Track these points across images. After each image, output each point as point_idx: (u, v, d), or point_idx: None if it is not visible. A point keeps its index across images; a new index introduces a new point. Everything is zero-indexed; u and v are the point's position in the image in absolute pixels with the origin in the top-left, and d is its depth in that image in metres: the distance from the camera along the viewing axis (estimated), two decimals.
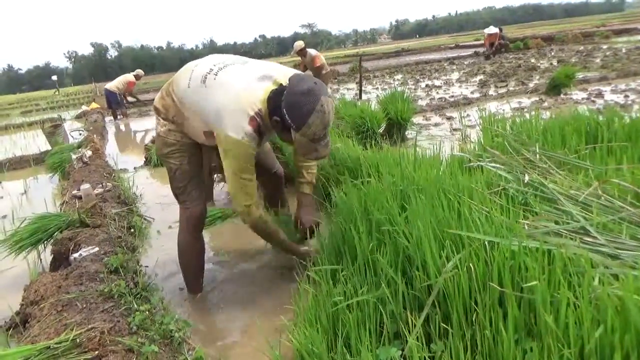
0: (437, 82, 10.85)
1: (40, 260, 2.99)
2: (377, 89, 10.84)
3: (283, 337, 1.66)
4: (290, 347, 1.61)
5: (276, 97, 1.86)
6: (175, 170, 2.23)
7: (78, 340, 1.57)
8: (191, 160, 2.23)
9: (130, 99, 12.08)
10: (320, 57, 8.24)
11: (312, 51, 8.29)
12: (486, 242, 1.41)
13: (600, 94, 6.64)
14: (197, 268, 2.41)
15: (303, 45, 8.27)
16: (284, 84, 1.89)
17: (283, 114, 1.81)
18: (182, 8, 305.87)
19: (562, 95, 6.88)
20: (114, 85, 11.05)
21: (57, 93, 27.19)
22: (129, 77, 11.45)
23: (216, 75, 1.97)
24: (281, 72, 1.99)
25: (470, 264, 1.35)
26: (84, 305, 1.88)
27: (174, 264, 2.69)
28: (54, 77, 32.34)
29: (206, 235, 2.44)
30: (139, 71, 12.06)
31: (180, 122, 2.12)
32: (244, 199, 2.03)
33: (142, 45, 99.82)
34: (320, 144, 1.88)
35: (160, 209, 3.89)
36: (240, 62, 2.07)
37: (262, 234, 2.23)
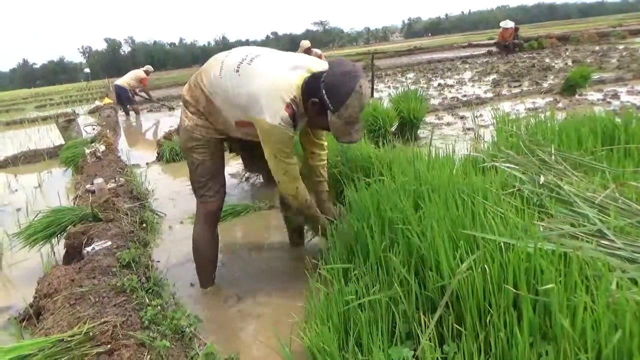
0: (449, 81, 10.77)
1: (54, 253, 3.03)
2: (389, 87, 10.79)
3: (294, 334, 1.66)
4: (301, 344, 1.61)
5: (314, 81, 1.91)
6: (198, 165, 2.24)
7: (91, 334, 1.58)
8: (214, 156, 2.24)
9: (143, 95, 12.06)
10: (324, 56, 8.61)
11: (317, 51, 8.73)
12: (501, 244, 1.39)
13: (616, 95, 6.54)
14: (211, 261, 2.43)
15: (309, 45, 8.54)
16: (317, 73, 1.95)
17: (322, 94, 1.85)
18: (195, 5, 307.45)
19: (577, 96, 6.79)
20: (124, 81, 11.09)
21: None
22: (140, 73, 11.47)
23: (250, 63, 2.00)
24: (314, 62, 2.05)
25: (485, 266, 1.33)
26: (97, 299, 1.89)
27: (185, 259, 2.71)
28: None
29: (218, 230, 2.45)
30: (149, 67, 12.04)
31: (210, 113, 2.12)
32: (290, 183, 2.09)
33: (155, 42, 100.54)
34: (354, 128, 1.92)
35: (171, 205, 3.92)
36: (272, 52, 2.12)
37: (305, 218, 2.34)
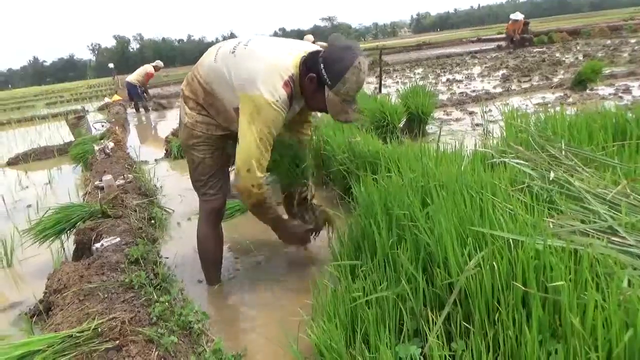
0: (458, 76, 10.70)
1: (64, 249, 3.05)
2: (397, 82, 10.75)
3: (301, 331, 1.66)
4: (308, 341, 1.61)
5: (312, 57, 1.92)
6: (199, 163, 2.21)
7: (99, 330, 1.59)
8: (214, 154, 2.20)
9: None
10: None
11: (323, 44, 8.73)
12: (510, 241, 1.38)
13: (628, 90, 6.45)
14: (216, 259, 2.43)
15: (313, 39, 8.82)
16: (315, 51, 1.96)
17: (320, 69, 1.84)
18: (202, 1, 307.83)
19: (587, 91, 6.71)
20: (134, 77, 11.12)
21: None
22: (148, 68, 11.45)
23: (246, 45, 2.00)
24: (311, 46, 2.05)
25: (494, 263, 1.32)
26: (106, 295, 1.90)
27: (194, 256, 2.71)
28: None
29: (225, 227, 2.45)
30: (159, 62, 11.98)
31: (211, 105, 2.09)
32: (258, 171, 1.92)
33: (163, 38, 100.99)
34: (351, 107, 1.92)
35: (180, 201, 3.93)
36: (268, 37, 2.13)
37: (263, 215, 2.15)
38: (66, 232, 3.00)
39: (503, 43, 17.61)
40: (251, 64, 1.91)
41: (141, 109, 11.46)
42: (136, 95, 11.26)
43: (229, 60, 1.97)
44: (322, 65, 1.83)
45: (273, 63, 1.90)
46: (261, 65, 1.90)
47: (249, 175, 1.92)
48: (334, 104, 1.88)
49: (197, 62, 2.18)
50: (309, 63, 1.91)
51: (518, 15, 16.01)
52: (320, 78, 1.85)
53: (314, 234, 2.49)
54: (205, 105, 2.11)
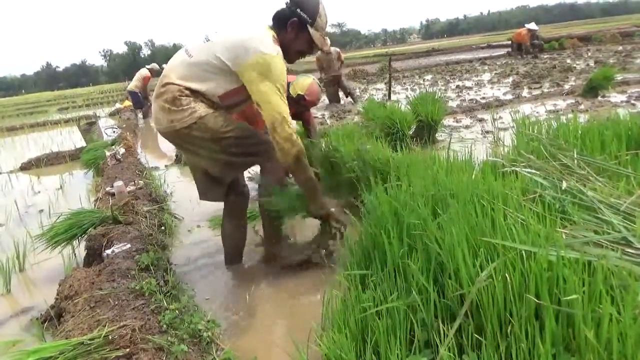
0: (468, 83, 10.66)
1: (75, 255, 3.07)
2: (406, 89, 10.73)
3: (311, 341, 1.65)
4: (318, 351, 1.60)
5: (278, 15, 2.18)
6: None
7: (110, 337, 1.60)
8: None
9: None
10: None
11: (335, 48, 9.05)
12: (522, 252, 1.36)
13: None
14: (240, 247, 2.67)
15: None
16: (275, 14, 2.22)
17: (298, 13, 2.10)
18: (213, 7, 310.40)
19: (599, 98, 6.65)
20: (133, 85, 10.96)
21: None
22: (144, 72, 11.08)
23: (216, 32, 2.16)
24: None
25: (506, 274, 1.31)
26: (116, 302, 1.91)
27: (203, 263, 2.72)
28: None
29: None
30: (154, 65, 11.43)
31: (196, 99, 2.13)
32: (288, 124, 2.03)
33: (174, 44, 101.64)
34: (326, 37, 2.20)
35: (190, 208, 3.94)
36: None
37: (302, 171, 2.20)
38: (77, 238, 3.02)
39: (510, 50, 17.53)
40: (235, 38, 2.06)
41: (139, 115, 11.20)
42: (137, 102, 11.04)
43: (209, 48, 2.08)
44: (298, 10, 2.06)
45: (253, 32, 2.08)
46: (245, 36, 2.05)
47: (285, 127, 2.03)
48: (317, 38, 2.16)
49: None
50: (279, 20, 2.14)
51: (534, 26, 15.89)
52: (301, 20, 2.07)
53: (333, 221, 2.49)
54: (188, 108, 2.15)
